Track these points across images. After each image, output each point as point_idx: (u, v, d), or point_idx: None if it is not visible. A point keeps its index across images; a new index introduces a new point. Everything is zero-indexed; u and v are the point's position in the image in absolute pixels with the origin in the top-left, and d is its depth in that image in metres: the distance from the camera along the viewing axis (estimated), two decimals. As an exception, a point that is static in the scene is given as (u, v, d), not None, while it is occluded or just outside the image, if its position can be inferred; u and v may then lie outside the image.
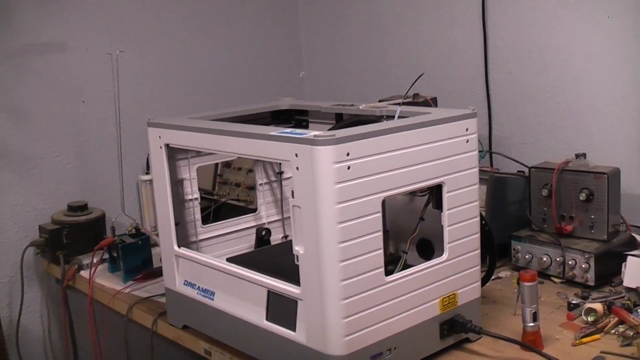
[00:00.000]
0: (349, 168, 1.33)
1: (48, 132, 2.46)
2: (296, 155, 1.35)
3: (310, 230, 1.35)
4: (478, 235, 1.60)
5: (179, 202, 1.84)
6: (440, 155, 1.49)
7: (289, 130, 1.48)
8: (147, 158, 2.53)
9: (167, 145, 1.72)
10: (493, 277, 1.88)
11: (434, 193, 1.56)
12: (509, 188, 2.12)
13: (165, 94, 2.70)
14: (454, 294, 1.56)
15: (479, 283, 1.62)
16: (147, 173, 2.55)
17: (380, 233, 1.40)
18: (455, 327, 1.56)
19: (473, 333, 1.58)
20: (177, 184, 1.84)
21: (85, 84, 2.53)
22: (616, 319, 1.65)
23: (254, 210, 2.08)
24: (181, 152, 1.83)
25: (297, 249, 1.40)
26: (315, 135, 1.33)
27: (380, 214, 1.39)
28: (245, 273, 1.58)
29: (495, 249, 1.75)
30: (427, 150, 1.47)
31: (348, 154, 1.33)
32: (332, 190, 1.32)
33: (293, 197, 1.38)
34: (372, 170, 1.37)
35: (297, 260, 1.40)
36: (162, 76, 2.70)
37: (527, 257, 1.97)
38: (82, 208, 2.40)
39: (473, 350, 1.58)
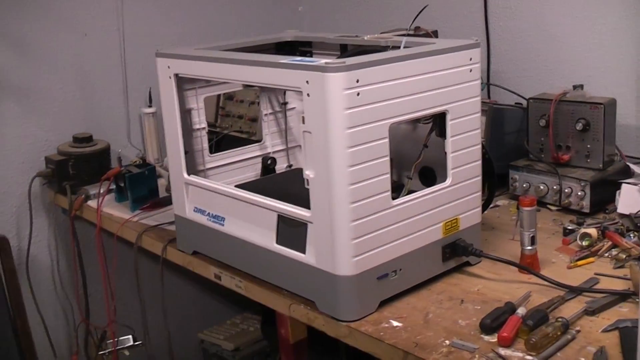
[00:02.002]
0: (358, 94, 1.38)
1: (51, 64, 2.47)
2: (307, 82, 1.39)
3: (320, 155, 1.40)
4: (479, 162, 1.65)
5: (187, 131, 1.87)
6: (445, 83, 1.54)
7: (299, 58, 1.52)
8: (149, 91, 2.56)
9: (176, 75, 1.75)
10: (492, 205, 1.94)
11: (438, 121, 1.61)
12: (507, 119, 2.17)
13: (167, 27, 2.71)
14: (456, 218, 1.62)
15: (479, 208, 1.68)
16: (150, 106, 2.58)
17: (388, 158, 1.45)
18: (456, 250, 1.62)
19: (474, 256, 1.64)
20: (184, 114, 1.87)
21: (88, 17, 2.53)
22: (610, 243, 1.72)
23: (257, 141, 2.13)
24: (189, 82, 1.86)
25: (308, 173, 1.45)
26: (326, 63, 1.37)
27: (387, 140, 1.44)
28: (256, 198, 1.63)
29: (495, 177, 1.81)
30: (432, 78, 1.51)
31: (358, 81, 1.37)
32: (342, 116, 1.37)
33: (304, 123, 1.43)
34: (380, 97, 1.42)
35: (308, 184, 1.45)
36: (165, 9, 2.71)
37: (524, 185, 2.03)
38: (88, 139, 2.43)
39: (473, 273, 1.64)
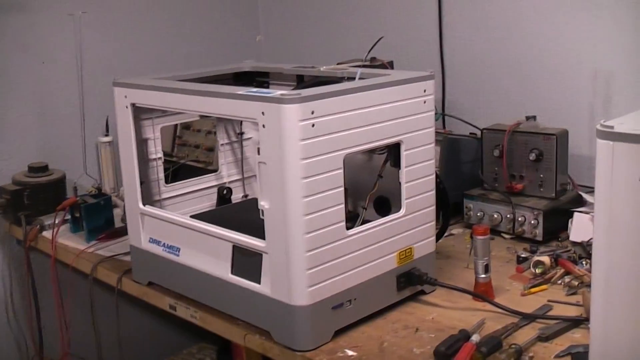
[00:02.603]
0: (313, 126, 1.39)
1: (8, 91, 2.45)
2: (263, 113, 1.40)
3: (275, 186, 1.41)
4: (434, 192, 1.67)
5: (143, 161, 1.87)
6: (399, 114, 1.56)
7: (255, 89, 1.53)
8: (107, 120, 2.55)
9: (133, 105, 1.75)
10: (446, 234, 1.96)
11: (392, 151, 1.63)
12: (462, 149, 2.21)
13: (126, 56, 2.70)
14: (410, 248, 1.63)
15: (434, 238, 1.70)
16: (107, 135, 2.57)
17: (342, 189, 1.46)
18: (411, 279, 1.64)
19: (428, 285, 1.65)
20: (141, 144, 1.87)
21: (47, 45, 2.52)
22: (562, 270, 1.74)
23: (213, 171, 2.13)
24: (146, 112, 1.86)
25: (263, 203, 1.45)
26: (281, 94, 1.38)
27: (342, 170, 1.46)
28: (211, 228, 1.63)
29: (449, 206, 1.83)
30: (387, 110, 1.53)
31: (313, 112, 1.39)
32: (298, 147, 1.38)
33: (259, 154, 1.44)
34: (335, 128, 1.43)
35: (263, 215, 1.46)
36: (123, 38, 2.70)
37: (479, 214, 2.05)
38: (43, 169, 2.40)
39: (428, 302, 1.66)
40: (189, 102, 1.63)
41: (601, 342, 1.09)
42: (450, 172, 2.14)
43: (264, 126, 1.41)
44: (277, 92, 1.43)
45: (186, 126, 2.55)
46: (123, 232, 2.13)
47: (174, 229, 1.72)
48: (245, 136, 2.12)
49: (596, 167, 1.03)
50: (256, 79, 2.04)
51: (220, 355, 2.69)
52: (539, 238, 1.94)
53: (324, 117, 1.41)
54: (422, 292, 1.68)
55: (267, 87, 2.01)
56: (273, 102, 1.38)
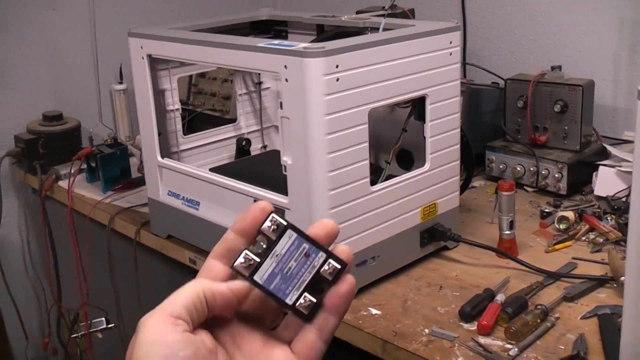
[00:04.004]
0: (337, 80, 1.35)
1: (19, 39, 2.41)
2: (285, 67, 1.36)
3: (299, 141, 1.38)
4: (458, 146, 1.64)
5: (160, 113, 1.84)
6: (425, 67, 1.51)
7: (276, 42, 1.48)
8: (120, 68, 2.51)
9: (149, 56, 1.71)
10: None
11: (417, 105, 1.59)
12: (484, 99, 2.16)
13: (139, 1, 2.65)
14: (435, 203, 1.61)
15: (457, 193, 1.67)
16: (121, 82, 2.53)
17: (367, 144, 1.43)
18: (435, 235, 1.61)
19: (452, 241, 1.63)
20: (158, 95, 1.83)
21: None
22: (587, 226, 1.71)
23: (230, 120, 2.09)
24: (162, 62, 1.81)
25: (285, 159, 1.42)
26: (305, 47, 1.34)
27: (366, 126, 1.42)
28: (232, 183, 1.60)
29: (473, 159, 1.79)
30: (412, 62, 1.49)
31: (337, 66, 1.34)
32: (322, 102, 1.34)
33: (281, 108, 1.40)
34: (359, 82, 1.39)
35: (285, 171, 1.43)
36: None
37: (501, 167, 2.02)
38: (58, 118, 2.37)
39: (451, 258, 1.63)
40: (208, 54, 1.59)
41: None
42: (471, 123, 2.09)
43: (286, 80, 1.37)
44: (300, 44, 1.38)
45: (202, 74, 2.50)
46: (139, 182, 2.11)
47: (194, 182, 1.70)
48: (263, 86, 2.08)
49: (636, 128, 0.99)
50: (274, 28, 1.99)
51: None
52: (563, 192, 1.91)
53: (348, 71, 1.37)
54: (445, 248, 1.65)
55: (286, 37, 1.96)
56: (296, 56, 1.34)
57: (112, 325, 2.27)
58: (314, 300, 0.69)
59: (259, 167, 1.86)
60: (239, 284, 0.68)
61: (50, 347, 2.50)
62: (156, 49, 1.69)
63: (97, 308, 2.27)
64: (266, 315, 0.72)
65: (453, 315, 1.38)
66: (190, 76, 2.55)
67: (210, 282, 0.67)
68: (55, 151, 2.32)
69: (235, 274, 0.69)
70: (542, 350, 1.27)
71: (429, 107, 1.55)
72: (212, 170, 1.76)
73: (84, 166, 2.24)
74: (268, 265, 0.68)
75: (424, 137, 1.57)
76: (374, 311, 1.42)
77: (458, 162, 1.64)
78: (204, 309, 0.65)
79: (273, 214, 0.69)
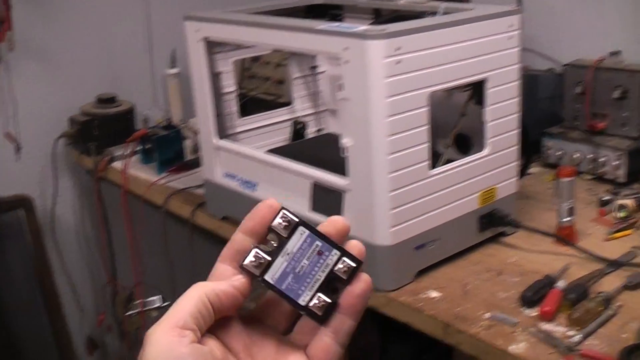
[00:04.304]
0: (398, 62, 1.34)
1: (73, 23, 2.43)
2: (346, 48, 1.36)
3: (359, 123, 1.38)
4: (517, 131, 1.62)
5: (216, 95, 1.84)
6: (485, 51, 1.50)
7: (335, 24, 1.48)
8: (173, 52, 2.53)
9: (206, 39, 1.72)
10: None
11: (476, 89, 1.58)
12: (541, 85, 2.13)
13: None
14: (493, 188, 1.59)
15: (516, 178, 1.66)
16: (174, 67, 2.54)
17: (427, 127, 1.43)
18: (493, 220, 1.60)
19: (511, 226, 1.62)
20: (213, 78, 1.84)
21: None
22: (647, 215, 1.69)
23: (283, 104, 2.10)
24: (217, 45, 1.82)
25: (346, 140, 1.42)
26: (366, 29, 1.34)
27: (427, 109, 1.41)
28: (290, 165, 1.61)
29: (530, 145, 1.77)
30: (473, 46, 1.47)
31: (398, 49, 1.34)
32: (382, 85, 1.34)
33: (342, 90, 1.40)
34: (420, 65, 1.38)
35: (345, 153, 1.43)
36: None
37: (558, 153, 1.99)
38: (111, 100, 2.40)
39: (509, 244, 1.62)
40: (265, 36, 1.59)
41: None
42: (528, 109, 2.05)
43: (347, 62, 1.36)
44: (360, 26, 1.38)
45: (255, 58, 2.51)
46: (193, 164, 2.13)
47: (250, 164, 1.71)
48: (318, 69, 2.07)
49: None
50: (329, 12, 1.98)
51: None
52: (622, 180, 1.88)
53: (409, 53, 1.36)
54: (503, 234, 1.64)
55: (341, 20, 1.95)
56: (357, 38, 1.34)
57: (167, 303, 2.29)
58: (329, 300, 0.64)
59: (316, 150, 1.86)
60: (240, 279, 0.64)
61: (105, 324, 2.54)
62: (212, 31, 1.70)
63: (152, 287, 2.29)
64: (278, 319, 0.68)
65: (513, 301, 1.37)
66: (243, 60, 2.55)
67: (211, 284, 0.64)
68: (109, 133, 2.35)
69: (245, 275, 0.65)
70: (605, 338, 1.25)
71: (488, 92, 1.53)
72: (269, 152, 1.77)
73: (138, 148, 2.26)
74: (279, 264, 0.64)
75: (483, 122, 1.55)
76: (433, 294, 1.42)
77: (517, 147, 1.63)
78: (210, 314, 0.63)
79: (284, 210, 0.66)
